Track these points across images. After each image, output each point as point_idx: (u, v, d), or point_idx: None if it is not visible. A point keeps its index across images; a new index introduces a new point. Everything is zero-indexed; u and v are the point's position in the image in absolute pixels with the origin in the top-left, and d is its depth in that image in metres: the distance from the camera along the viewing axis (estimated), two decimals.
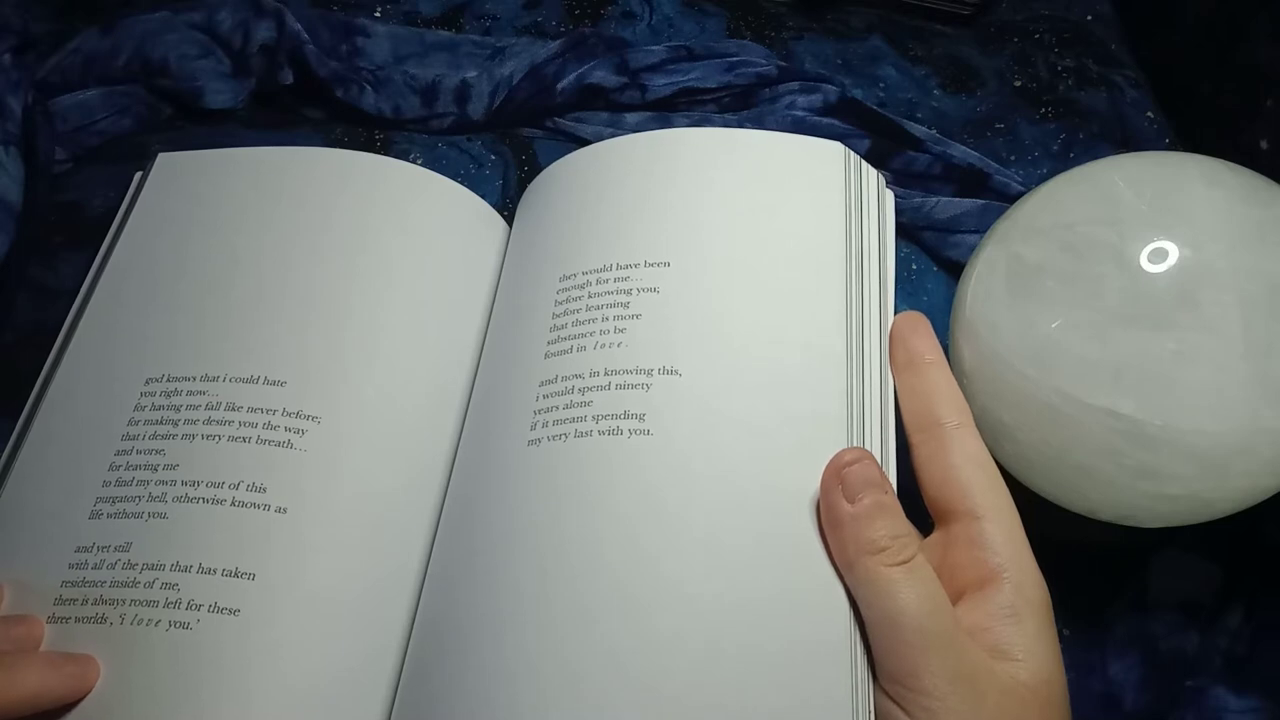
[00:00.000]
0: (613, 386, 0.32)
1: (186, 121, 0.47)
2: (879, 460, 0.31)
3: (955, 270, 0.46)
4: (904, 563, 0.28)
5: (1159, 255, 0.31)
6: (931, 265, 0.46)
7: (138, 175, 0.40)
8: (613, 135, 0.41)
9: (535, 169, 0.46)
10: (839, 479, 0.29)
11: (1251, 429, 0.30)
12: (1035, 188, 0.37)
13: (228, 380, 0.34)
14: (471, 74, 0.48)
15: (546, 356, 0.34)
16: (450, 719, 0.29)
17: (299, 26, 0.46)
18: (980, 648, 0.27)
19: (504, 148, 0.48)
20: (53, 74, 0.45)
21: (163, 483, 0.32)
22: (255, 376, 0.34)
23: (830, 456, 0.30)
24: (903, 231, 0.46)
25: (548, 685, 0.28)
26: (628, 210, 0.37)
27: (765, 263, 0.34)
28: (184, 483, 0.32)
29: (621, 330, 0.33)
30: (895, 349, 0.34)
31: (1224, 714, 0.36)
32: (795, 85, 0.48)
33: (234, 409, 0.33)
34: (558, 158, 0.40)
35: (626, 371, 0.32)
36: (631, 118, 0.48)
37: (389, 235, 0.38)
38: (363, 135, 0.48)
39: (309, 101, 0.48)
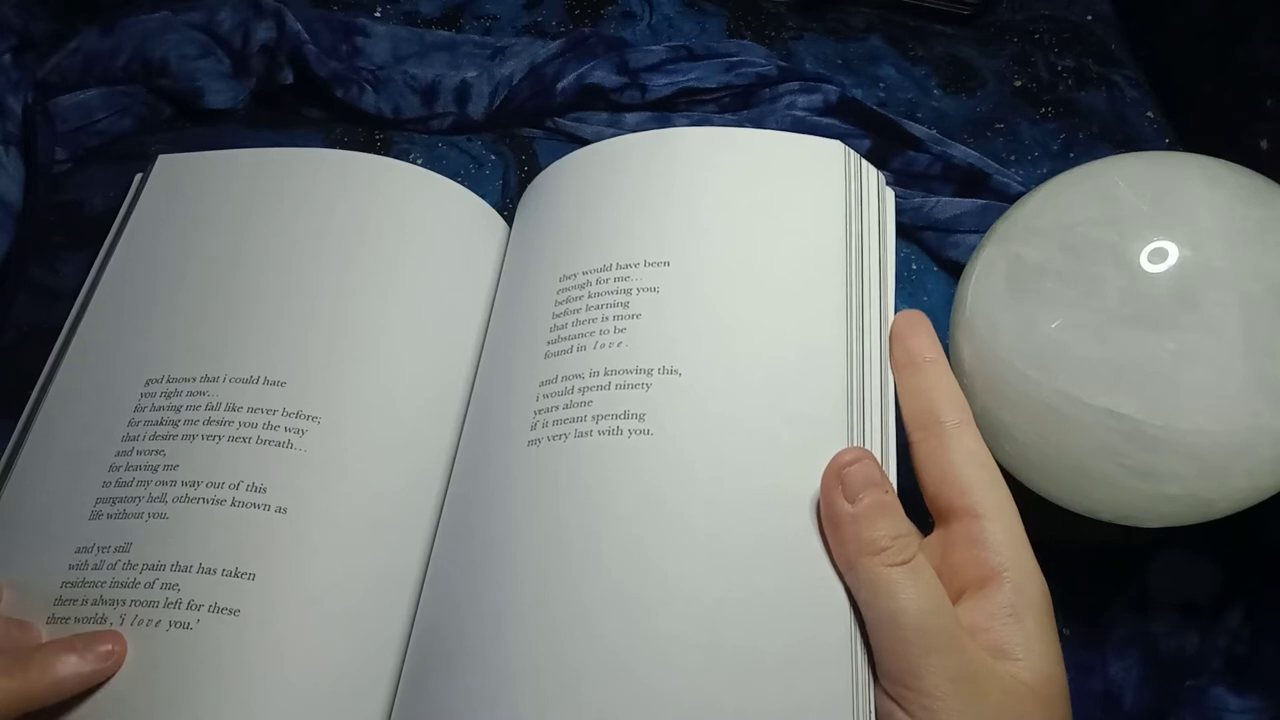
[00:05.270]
0: (613, 386, 0.32)
1: (186, 121, 0.47)
2: (879, 459, 0.31)
3: (955, 270, 0.46)
4: (905, 562, 0.27)
5: (1159, 255, 0.31)
6: (931, 265, 0.46)
7: (138, 176, 0.40)
8: (613, 135, 0.41)
9: (535, 169, 0.46)
10: (839, 479, 0.29)
11: (1251, 429, 0.30)
12: (1035, 188, 0.37)
13: (228, 381, 0.34)
14: (471, 74, 0.48)
15: (546, 356, 0.34)
16: (450, 719, 0.29)
17: (299, 26, 0.46)
18: (981, 647, 0.27)
19: (504, 148, 0.48)
20: (53, 74, 0.45)
21: (163, 483, 0.32)
22: (255, 377, 0.34)
23: (830, 456, 0.30)
24: (903, 231, 0.46)
25: (548, 685, 0.28)
26: (627, 210, 0.37)
27: (765, 262, 0.34)
28: (184, 483, 0.32)
29: (621, 330, 0.33)
30: (895, 348, 0.34)
31: (1224, 714, 0.36)
32: (795, 85, 0.48)
33: (234, 409, 0.33)
34: (558, 158, 0.40)
35: (626, 371, 0.32)
36: (631, 118, 0.48)
37: (389, 235, 0.38)
38: (363, 135, 0.48)
39: (309, 101, 0.48)
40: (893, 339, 0.34)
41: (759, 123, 0.48)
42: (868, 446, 0.31)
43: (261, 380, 0.34)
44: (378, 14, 0.52)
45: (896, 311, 0.35)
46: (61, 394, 0.35)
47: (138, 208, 0.39)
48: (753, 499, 0.30)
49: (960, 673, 0.26)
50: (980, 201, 0.46)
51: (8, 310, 0.41)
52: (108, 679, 0.29)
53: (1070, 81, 0.53)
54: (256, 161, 0.40)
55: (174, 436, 0.33)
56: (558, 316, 0.35)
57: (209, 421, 0.33)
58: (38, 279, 0.42)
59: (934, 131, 0.48)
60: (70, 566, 0.31)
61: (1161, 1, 0.55)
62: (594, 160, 0.39)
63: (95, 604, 0.30)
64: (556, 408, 0.33)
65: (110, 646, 0.29)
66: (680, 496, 0.30)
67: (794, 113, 0.48)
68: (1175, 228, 0.31)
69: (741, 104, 0.49)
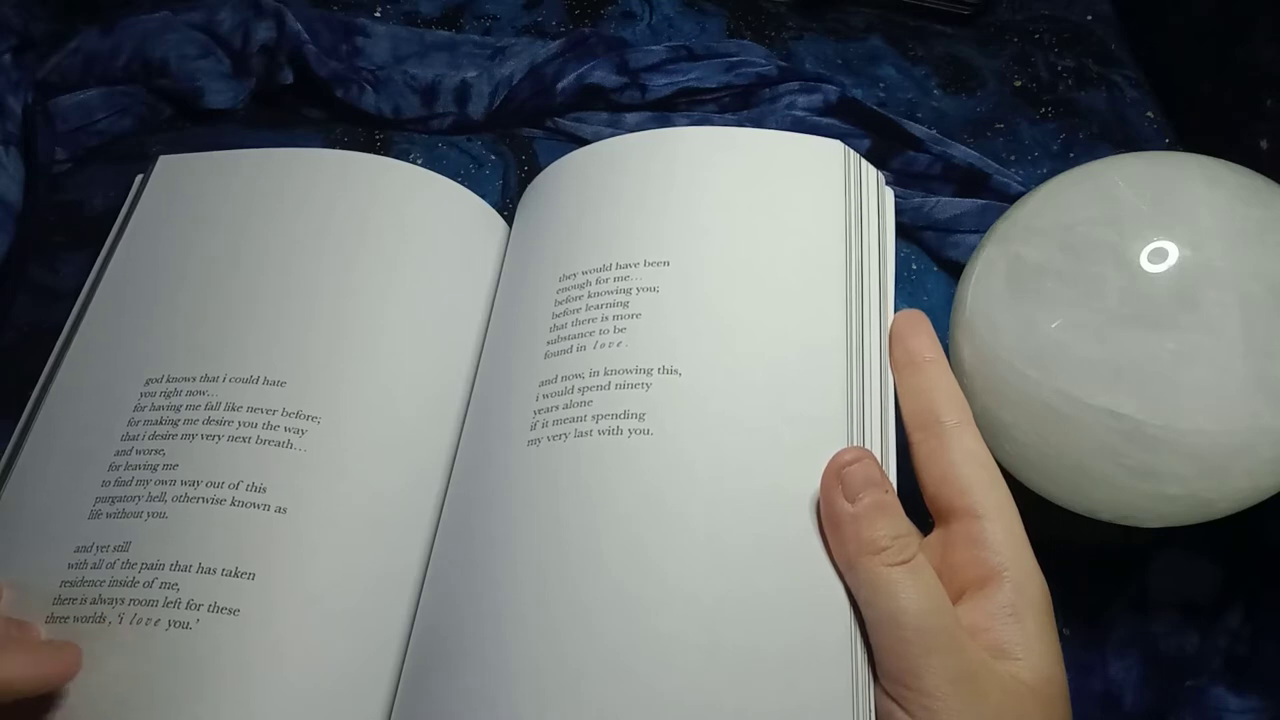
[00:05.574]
0: (612, 386, 0.32)
1: (186, 121, 0.47)
2: (879, 459, 0.31)
3: (955, 270, 0.46)
4: (905, 562, 0.27)
5: (1159, 255, 0.31)
6: (931, 265, 0.46)
7: (138, 177, 0.40)
8: (613, 135, 0.41)
9: (535, 169, 0.46)
10: (839, 479, 0.29)
11: (1251, 429, 0.30)
12: (1035, 188, 0.37)
13: (227, 380, 0.34)
14: (471, 74, 0.48)
15: (546, 356, 0.34)
16: (450, 719, 0.29)
17: (299, 26, 0.46)
18: (981, 647, 0.27)
19: (504, 148, 0.48)
20: (53, 74, 0.45)
21: (162, 483, 0.32)
22: (255, 376, 0.34)
23: (830, 456, 0.30)
24: (903, 231, 0.46)
25: (548, 685, 0.28)
26: (627, 210, 0.37)
27: (765, 262, 0.34)
28: (184, 483, 0.32)
29: (621, 330, 0.33)
30: (895, 347, 0.34)
31: (1224, 714, 0.36)
32: (795, 85, 0.48)
33: (234, 409, 0.33)
34: (558, 158, 0.40)
35: (626, 371, 0.32)
36: (631, 118, 0.48)
37: (389, 235, 0.38)
38: (363, 135, 0.48)
39: (309, 101, 0.48)
40: (893, 339, 0.34)
41: (759, 123, 0.48)
42: (868, 446, 0.31)
43: (261, 380, 0.34)
44: (378, 14, 0.52)
45: (896, 311, 0.35)
46: (61, 394, 0.35)
47: (138, 208, 0.39)
48: (753, 499, 0.30)
49: (960, 673, 0.26)
50: (980, 201, 0.46)
51: (8, 310, 0.41)
52: (63, 683, 0.28)
53: (1070, 81, 0.53)
54: (256, 161, 0.40)
55: (174, 436, 0.33)
56: (557, 316, 0.35)
57: (209, 421, 0.33)
58: (38, 279, 0.42)
59: (934, 131, 0.48)
60: (70, 566, 0.31)
61: (1161, 1, 0.55)
62: (594, 160, 0.39)
63: (94, 603, 0.30)
64: (556, 407, 0.33)
65: (61, 654, 0.28)
66: (680, 496, 0.30)
67: (794, 113, 0.48)
68: (1175, 228, 0.31)
69: (741, 104, 0.49)
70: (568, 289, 0.35)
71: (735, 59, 0.48)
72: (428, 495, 0.34)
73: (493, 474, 0.33)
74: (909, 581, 0.27)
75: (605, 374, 0.33)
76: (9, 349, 0.40)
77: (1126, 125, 0.51)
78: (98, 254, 0.38)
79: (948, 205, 0.46)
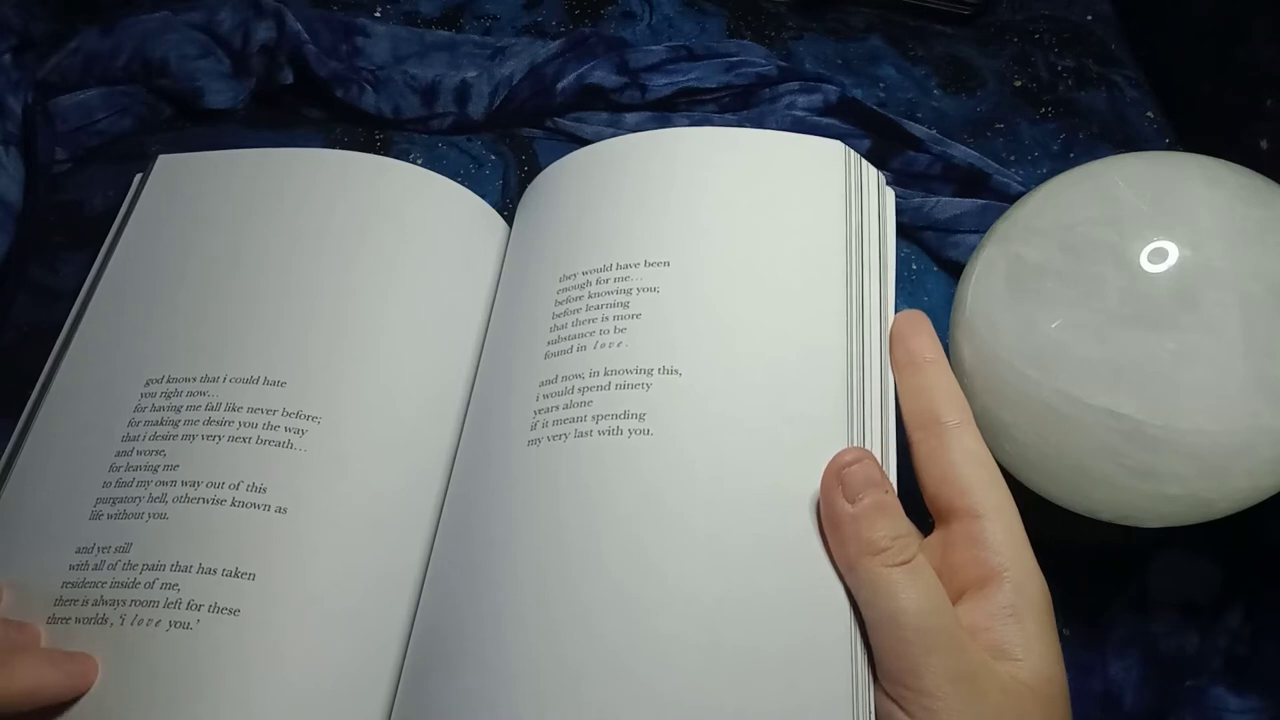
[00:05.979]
0: (613, 386, 0.32)
1: (186, 121, 0.47)
2: (879, 460, 0.31)
3: (955, 270, 0.46)
4: (905, 563, 0.27)
5: (1159, 255, 0.31)
6: (931, 265, 0.46)
7: (138, 176, 0.40)
8: (613, 135, 0.41)
9: (535, 169, 0.46)
10: (839, 479, 0.29)
11: (1251, 429, 0.30)
12: (1035, 188, 0.37)
13: (228, 381, 0.34)
14: (471, 74, 0.48)
15: (546, 356, 0.34)
16: (450, 719, 0.29)
17: (299, 26, 0.46)
18: (981, 647, 0.27)
19: (504, 148, 0.48)
20: (53, 74, 0.45)
21: (163, 483, 0.32)
22: (255, 377, 0.34)
23: (830, 456, 0.30)
24: (903, 231, 0.46)
25: (548, 685, 0.28)
26: (627, 210, 0.37)
27: (765, 262, 0.34)
28: (184, 483, 0.32)
29: (621, 330, 0.33)
30: (895, 347, 0.34)
31: (1224, 714, 0.36)
32: (795, 85, 0.48)
33: (234, 409, 0.33)
34: (558, 158, 0.40)
35: (626, 371, 0.32)
36: (631, 118, 0.48)
37: (389, 235, 0.38)
38: (363, 135, 0.48)
39: (309, 101, 0.48)
40: (893, 339, 0.34)
41: (759, 123, 0.48)
42: (868, 446, 0.31)
43: (261, 380, 0.34)
44: (378, 14, 0.52)
45: (896, 311, 0.35)
46: (61, 394, 0.35)
47: (138, 208, 0.39)
48: (753, 499, 0.30)
49: (960, 673, 0.26)
50: (980, 201, 0.46)
51: (8, 310, 0.41)
52: (79, 696, 0.28)
53: (1070, 81, 0.53)
54: (256, 161, 0.40)
55: (174, 436, 0.33)
56: (558, 316, 0.35)
57: (209, 421, 0.33)
58: (38, 279, 0.42)
59: (934, 131, 0.48)
60: (71, 567, 0.31)
61: (1161, 1, 0.55)
62: (594, 160, 0.39)
63: (95, 604, 0.30)
64: (556, 408, 0.33)
65: (80, 668, 0.29)
66: (680, 496, 0.30)
67: (794, 113, 0.48)
68: (1175, 228, 0.31)
69: (741, 104, 0.49)
70: (568, 289, 0.35)
71: (735, 59, 0.48)
72: (428, 495, 0.34)
73: (493, 474, 0.33)
74: (909, 582, 0.27)
75: (605, 374, 0.33)
76: (9, 349, 0.40)
77: (1126, 125, 0.51)
78: (98, 254, 0.38)
79: (948, 205, 0.46)
